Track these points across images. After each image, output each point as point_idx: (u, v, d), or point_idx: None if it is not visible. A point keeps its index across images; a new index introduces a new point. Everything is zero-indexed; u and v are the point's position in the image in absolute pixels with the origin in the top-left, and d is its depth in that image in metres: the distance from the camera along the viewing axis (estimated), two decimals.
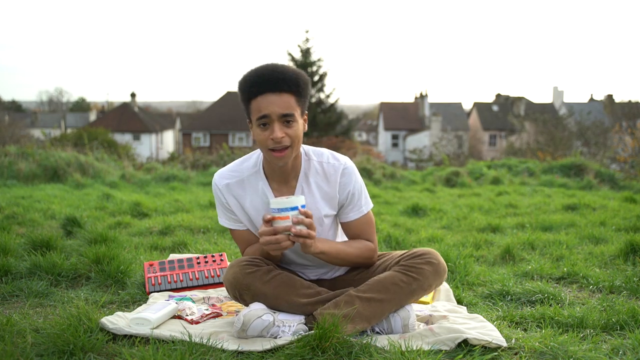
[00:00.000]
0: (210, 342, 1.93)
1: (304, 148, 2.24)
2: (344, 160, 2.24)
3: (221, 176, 2.25)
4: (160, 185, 9.35)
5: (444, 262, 2.21)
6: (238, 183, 2.23)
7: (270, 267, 2.18)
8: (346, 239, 2.35)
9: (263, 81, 2.02)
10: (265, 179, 2.22)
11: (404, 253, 2.26)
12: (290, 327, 2.05)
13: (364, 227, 2.28)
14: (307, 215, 1.98)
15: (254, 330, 2.03)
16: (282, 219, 1.96)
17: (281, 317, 2.08)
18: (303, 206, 1.98)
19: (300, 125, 2.09)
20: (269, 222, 1.98)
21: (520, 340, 2.02)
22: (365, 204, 2.27)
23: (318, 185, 2.22)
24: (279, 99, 2.01)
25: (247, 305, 2.17)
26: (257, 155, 2.26)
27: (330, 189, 2.22)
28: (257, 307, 2.08)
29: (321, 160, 2.23)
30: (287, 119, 2.03)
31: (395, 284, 2.09)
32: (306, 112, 2.15)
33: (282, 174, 2.19)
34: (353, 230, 2.29)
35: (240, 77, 2.08)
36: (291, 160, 2.13)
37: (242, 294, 2.16)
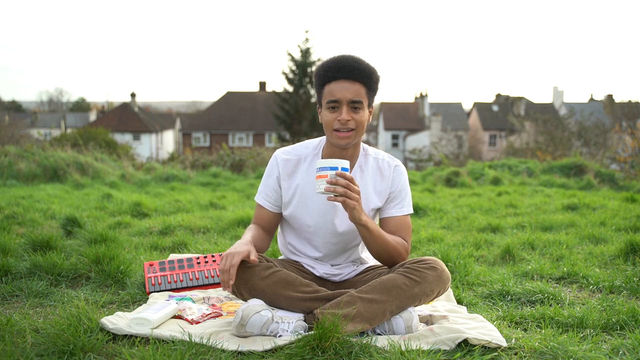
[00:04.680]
0: (210, 342, 1.93)
1: (363, 145, 2.37)
2: (398, 161, 2.41)
3: (282, 152, 2.39)
4: (160, 185, 9.36)
5: (448, 272, 2.23)
6: (295, 162, 2.36)
7: (269, 264, 2.19)
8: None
9: (340, 67, 2.18)
10: None
11: (410, 259, 2.28)
12: (289, 323, 2.05)
13: (402, 226, 2.34)
14: (344, 177, 2.02)
15: (252, 325, 2.03)
16: (321, 177, 2.03)
17: (280, 313, 2.09)
18: (345, 169, 2.03)
19: (366, 114, 2.23)
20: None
21: (520, 340, 2.02)
22: (407, 206, 2.36)
23: (372, 178, 2.34)
24: (351, 86, 2.17)
25: (245, 300, 2.18)
26: (319, 140, 2.39)
27: (383, 182, 2.35)
28: (255, 303, 2.09)
29: (377, 157, 2.38)
30: (355, 105, 2.18)
31: (397, 286, 2.10)
32: (372, 106, 2.28)
33: None
34: (391, 227, 2.34)
35: (317, 65, 2.26)
36: (352, 146, 2.25)
37: (240, 288, 2.17)
